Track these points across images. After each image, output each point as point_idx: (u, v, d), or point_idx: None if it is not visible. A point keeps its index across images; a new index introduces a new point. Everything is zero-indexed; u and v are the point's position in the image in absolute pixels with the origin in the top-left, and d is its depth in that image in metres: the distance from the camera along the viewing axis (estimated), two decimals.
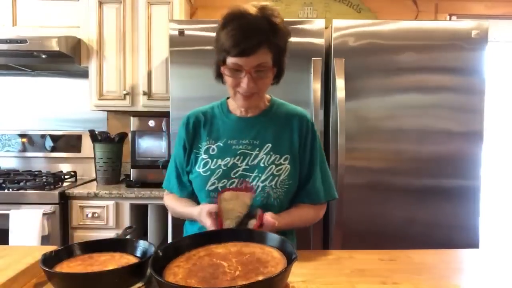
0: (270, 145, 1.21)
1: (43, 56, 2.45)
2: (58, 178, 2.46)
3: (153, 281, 0.92)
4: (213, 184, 1.18)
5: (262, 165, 1.18)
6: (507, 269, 1.06)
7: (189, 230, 1.30)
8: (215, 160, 1.20)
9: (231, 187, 1.15)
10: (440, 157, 2.06)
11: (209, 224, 1.06)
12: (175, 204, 1.29)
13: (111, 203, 2.27)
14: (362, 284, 0.92)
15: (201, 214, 1.10)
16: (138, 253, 0.98)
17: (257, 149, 1.20)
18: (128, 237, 1.13)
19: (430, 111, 2.06)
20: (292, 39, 2.05)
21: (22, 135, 2.80)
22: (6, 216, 2.13)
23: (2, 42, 2.27)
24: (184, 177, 1.28)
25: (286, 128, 1.24)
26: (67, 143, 2.80)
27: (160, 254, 0.90)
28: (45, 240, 2.16)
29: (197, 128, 1.26)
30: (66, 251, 0.97)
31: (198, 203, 1.24)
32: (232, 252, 0.93)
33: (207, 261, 0.89)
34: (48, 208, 2.18)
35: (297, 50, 2.06)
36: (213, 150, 1.21)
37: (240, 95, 1.15)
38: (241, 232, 1.01)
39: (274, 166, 1.18)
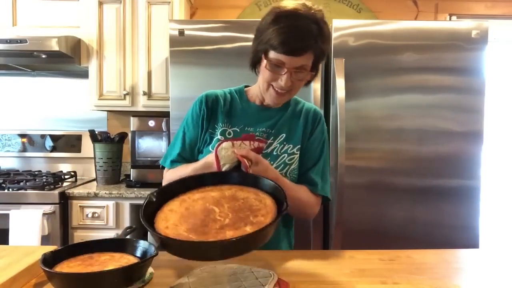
0: (284, 135, 1.23)
1: (43, 56, 2.45)
2: (58, 178, 2.47)
3: (154, 282, 0.91)
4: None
5: (275, 153, 1.21)
6: (507, 269, 1.06)
7: None
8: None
9: (231, 138, 1.15)
10: (440, 157, 2.06)
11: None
12: (177, 171, 1.23)
13: (111, 203, 2.27)
14: (362, 284, 0.92)
15: (209, 155, 1.12)
16: (138, 253, 0.98)
17: (272, 138, 1.23)
18: (128, 237, 1.13)
19: (430, 111, 2.06)
20: None
21: (22, 135, 2.80)
22: (6, 216, 2.13)
23: (2, 42, 2.27)
24: (190, 157, 1.25)
25: (300, 121, 1.27)
26: (67, 143, 2.80)
27: (154, 199, 0.91)
28: (45, 240, 2.16)
29: (215, 108, 1.25)
30: (66, 251, 0.97)
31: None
32: (226, 196, 0.94)
33: (200, 206, 0.90)
34: (48, 208, 2.18)
35: None
36: (229, 133, 1.22)
37: (274, 91, 1.17)
38: (238, 175, 1.02)
39: (286, 155, 1.21)
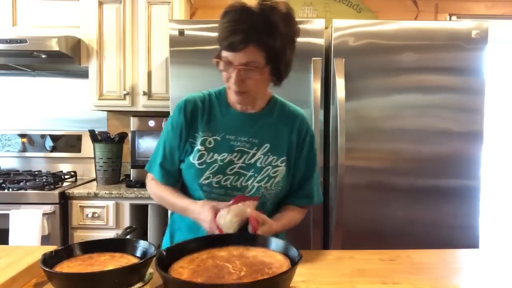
0: (268, 145, 1.19)
1: (43, 56, 2.45)
2: (58, 178, 2.47)
3: (154, 281, 0.92)
4: (207, 178, 1.15)
5: (259, 165, 1.17)
6: (507, 269, 1.06)
7: (177, 221, 1.28)
8: (211, 153, 1.17)
9: (229, 203, 1.09)
10: (440, 157, 2.06)
11: (208, 222, 1.04)
12: (165, 193, 1.23)
13: (111, 203, 2.27)
14: (362, 284, 0.92)
15: (201, 213, 1.08)
16: (138, 253, 0.98)
17: (255, 148, 1.18)
18: (128, 237, 1.13)
19: (430, 111, 2.06)
20: None
21: (22, 135, 2.80)
22: (6, 216, 2.13)
23: (2, 42, 2.27)
24: (171, 166, 1.23)
25: (286, 129, 1.22)
26: (67, 143, 2.80)
27: (164, 254, 0.90)
28: (45, 240, 2.16)
29: (195, 115, 1.21)
30: (66, 251, 0.97)
31: (186, 193, 1.22)
32: (235, 255, 0.93)
33: (211, 263, 0.89)
34: (48, 208, 2.18)
35: (297, 50, 2.04)
36: (210, 142, 1.18)
37: (232, 91, 1.14)
38: (244, 236, 1.01)
39: (271, 167, 1.17)
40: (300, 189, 1.25)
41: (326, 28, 2.07)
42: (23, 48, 2.30)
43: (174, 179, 1.24)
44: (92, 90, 2.52)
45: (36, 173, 2.65)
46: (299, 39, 2.04)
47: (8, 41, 2.28)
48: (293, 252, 0.90)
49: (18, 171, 2.70)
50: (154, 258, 0.88)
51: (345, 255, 1.12)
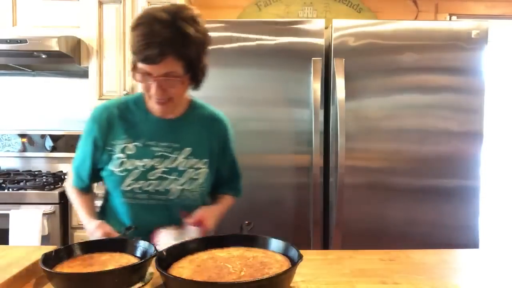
0: (190, 149, 1.21)
1: (43, 56, 2.45)
2: (58, 178, 2.46)
3: (155, 282, 0.92)
4: (129, 185, 1.17)
5: (180, 168, 1.19)
6: (507, 269, 1.06)
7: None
8: (132, 160, 1.17)
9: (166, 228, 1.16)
10: (440, 157, 2.06)
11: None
12: (75, 200, 1.29)
13: None
14: (362, 284, 0.92)
15: (93, 234, 1.13)
16: (138, 253, 0.98)
17: (177, 152, 1.20)
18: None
19: (430, 111, 2.06)
20: (292, 39, 2.07)
21: (22, 135, 2.79)
22: (6, 216, 2.13)
23: (2, 42, 2.27)
24: (82, 172, 1.25)
25: (206, 132, 1.25)
26: (67, 143, 2.79)
27: (164, 254, 0.90)
28: (45, 240, 2.16)
29: (111, 123, 1.19)
30: (66, 251, 0.97)
31: (109, 198, 1.28)
32: (235, 255, 0.94)
33: (211, 264, 0.90)
34: (48, 208, 2.18)
35: (297, 50, 2.06)
36: (130, 149, 1.18)
37: (153, 100, 1.14)
38: (244, 238, 1.02)
39: (192, 170, 1.20)
40: (229, 184, 1.36)
41: (326, 28, 2.07)
42: (23, 48, 2.30)
43: (85, 184, 1.28)
44: (92, 90, 2.52)
45: (36, 173, 2.65)
46: (300, 39, 2.06)
47: (8, 41, 2.28)
48: (293, 252, 0.90)
49: (18, 171, 2.70)
50: (154, 258, 0.88)
51: (345, 255, 1.12)
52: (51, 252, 0.93)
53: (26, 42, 2.28)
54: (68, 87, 2.86)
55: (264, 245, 0.97)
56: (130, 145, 1.18)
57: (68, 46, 2.40)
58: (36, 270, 0.95)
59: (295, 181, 2.09)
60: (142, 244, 0.99)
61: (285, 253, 0.93)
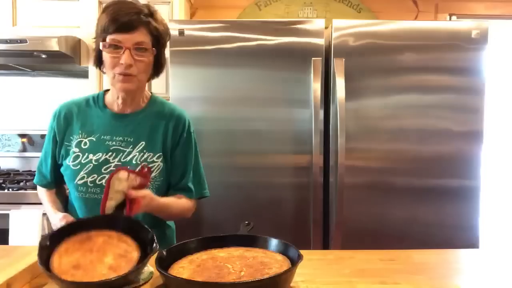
0: (144, 143, 1.22)
1: (43, 56, 2.45)
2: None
3: (155, 282, 0.92)
4: (82, 178, 1.19)
5: (134, 162, 1.20)
6: (507, 269, 1.06)
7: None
8: (86, 154, 1.20)
9: (129, 168, 1.10)
10: (440, 157, 2.06)
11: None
12: (42, 196, 1.32)
13: None
14: (362, 284, 0.92)
15: (58, 225, 1.12)
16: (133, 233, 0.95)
17: (131, 146, 1.21)
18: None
19: (430, 111, 2.06)
20: (292, 39, 2.07)
21: (22, 135, 2.79)
22: (6, 216, 2.13)
23: (2, 42, 2.27)
24: (45, 169, 1.29)
25: (161, 127, 1.25)
26: None
27: (165, 254, 0.90)
28: None
29: (69, 120, 1.25)
30: (65, 230, 0.96)
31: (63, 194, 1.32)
32: (235, 255, 0.94)
33: (211, 264, 0.90)
34: None
35: (297, 50, 2.06)
36: (85, 144, 1.21)
37: (119, 76, 1.16)
38: (244, 238, 1.02)
39: (147, 163, 1.20)
40: (178, 184, 1.29)
41: (326, 28, 2.07)
42: (23, 48, 2.29)
43: (47, 181, 1.30)
44: (92, 90, 2.51)
45: None
46: (300, 39, 2.06)
47: (8, 41, 2.28)
48: (293, 252, 0.90)
49: (18, 171, 2.70)
50: (155, 258, 0.88)
51: (345, 255, 1.12)
52: (48, 235, 0.93)
53: (26, 42, 2.28)
54: (68, 87, 2.86)
55: (264, 245, 0.98)
56: (85, 140, 1.21)
57: (68, 46, 2.40)
58: (36, 270, 0.95)
59: (295, 181, 2.09)
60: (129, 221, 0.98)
61: (285, 253, 0.93)
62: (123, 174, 1.05)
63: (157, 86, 2.49)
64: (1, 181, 2.31)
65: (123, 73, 1.14)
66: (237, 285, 0.78)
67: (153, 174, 1.20)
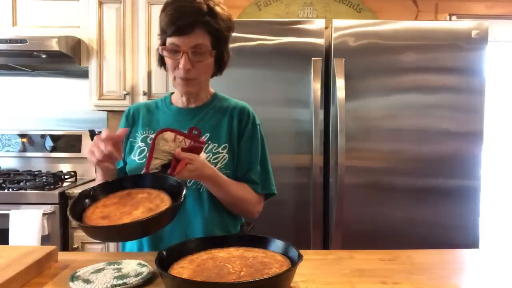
0: (208, 134, 1.20)
1: (43, 56, 2.45)
2: (58, 178, 2.46)
3: (155, 282, 0.92)
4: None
5: None
6: (507, 269, 1.06)
7: None
8: None
9: (177, 129, 1.07)
10: (440, 157, 2.06)
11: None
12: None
13: None
14: (362, 284, 0.92)
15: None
16: (174, 189, 0.96)
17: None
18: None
19: (430, 111, 2.06)
20: (292, 39, 2.07)
21: (22, 135, 2.80)
22: (6, 216, 2.13)
23: (2, 42, 2.27)
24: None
25: (225, 118, 1.24)
26: (67, 143, 2.80)
27: (165, 254, 0.90)
28: (45, 240, 2.16)
29: (136, 118, 1.27)
30: (107, 187, 0.99)
31: None
32: (235, 256, 0.94)
33: (211, 264, 0.90)
34: (48, 208, 2.18)
35: (297, 50, 2.06)
36: (150, 139, 1.19)
37: (180, 80, 1.15)
38: (244, 238, 1.01)
39: (211, 154, 1.18)
40: (243, 177, 1.24)
41: (326, 28, 2.07)
42: (23, 48, 2.30)
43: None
44: (92, 90, 2.52)
45: (36, 173, 2.64)
46: (300, 39, 2.06)
47: (8, 41, 2.28)
48: (293, 252, 0.90)
49: (18, 171, 2.70)
50: (155, 258, 0.88)
51: (345, 255, 1.12)
52: (89, 190, 0.95)
53: (26, 42, 2.28)
54: (68, 87, 2.86)
55: (264, 245, 0.97)
56: (151, 135, 1.21)
57: (68, 46, 2.40)
58: (36, 270, 0.95)
59: (295, 181, 2.09)
60: (176, 182, 0.97)
61: (285, 253, 0.93)
62: (169, 134, 1.03)
63: (157, 86, 2.50)
64: (1, 181, 2.31)
65: (183, 77, 1.14)
66: (237, 285, 0.78)
67: (217, 166, 1.17)
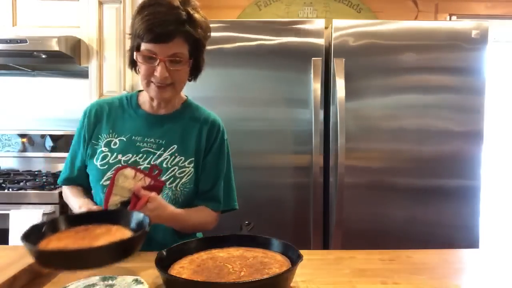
0: (176, 146, 1.17)
1: (43, 56, 2.45)
2: (58, 178, 2.46)
3: (155, 282, 0.92)
4: (108, 179, 1.12)
5: (165, 165, 1.15)
6: (507, 269, 1.06)
7: None
8: (115, 154, 1.15)
9: (138, 167, 1.07)
10: (440, 157, 2.06)
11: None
12: (68, 193, 1.24)
13: None
14: (362, 284, 0.92)
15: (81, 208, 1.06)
16: (133, 224, 0.91)
17: (162, 148, 1.16)
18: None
19: (430, 111, 2.06)
20: (292, 39, 2.07)
21: (22, 135, 2.79)
22: (6, 216, 2.13)
23: (2, 42, 2.27)
24: (70, 169, 1.23)
25: (194, 131, 1.21)
26: (67, 143, 2.79)
27: (165, 254, 0.90)
28: None
29: (99, 118, 1.21)
30: (65, 220, 0.91)
31: (91, 196, 1.21)
32: (235, 256, 0.94)
33: (211, 264, 0.90)
34: (48, 208, 2.18)
35: (297, 50, 2.06)
36: (114, 144, 1.16)
37: (154, 86, 1.11)
38: (244, 238, 1.02)
39: (177, 167, 1.16)
40: (207, 193, 1.23)
41: (326, 28, 2.07)
42: (23, 48, 2.29)
43: (74, 184, 1.25)
44: (92, 90, 2.52)
45: (36, 173, 2.64)
46: (300, 39, 2.06)
47: (8, 41, 2.28)
48: (293, 252, 0.90)
49: (18, 171, 2.70)
50: (155, 258, 0.88)
51: (345, 255, 1.12)
52: (46, 223, 0.88)
53: (26, 42, 2.28)
54: (68, 87, 2.86)
55: (264, 245, 0.98)
56: (115, 139, 1.17)
57: (68, 46, 2.40)
58: (36, 270, 0.95)
59: (295, 181, 2.09)
60: (135, 216, 0.93)
61: (285, 253, 0.93)
62: (129, 171, 1.02)
63: None
64: (1, 181, 2.31)
65: (158, 84, 1.10)
66: (237, 285, 0.78)
67: (182, 180, 1.15)
